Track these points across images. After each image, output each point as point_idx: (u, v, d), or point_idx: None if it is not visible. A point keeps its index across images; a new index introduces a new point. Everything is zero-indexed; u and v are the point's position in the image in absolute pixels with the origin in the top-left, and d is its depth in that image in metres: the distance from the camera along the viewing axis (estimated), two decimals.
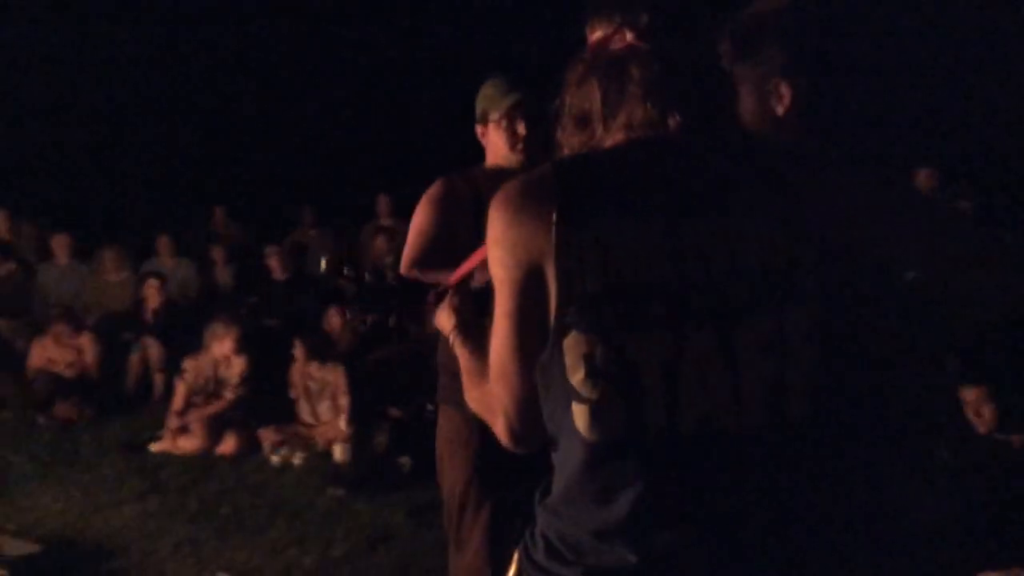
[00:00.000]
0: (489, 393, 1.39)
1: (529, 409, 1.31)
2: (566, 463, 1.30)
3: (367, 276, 1.74)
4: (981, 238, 1.49)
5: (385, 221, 8.90)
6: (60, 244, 8.53)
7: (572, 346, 1.24)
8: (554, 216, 1.25)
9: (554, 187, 1.28)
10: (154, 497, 5.11)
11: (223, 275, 8.88)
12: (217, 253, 8.97)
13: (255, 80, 11.46)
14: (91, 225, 9.42)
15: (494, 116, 2.90)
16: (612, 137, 1.34)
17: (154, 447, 5.94)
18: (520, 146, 2.88)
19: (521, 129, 2.88)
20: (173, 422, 6.00)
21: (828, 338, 1.27)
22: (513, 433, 1.36)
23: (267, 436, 5.88)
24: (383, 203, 9.09)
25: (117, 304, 8.10)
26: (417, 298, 1.69)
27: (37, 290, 8.40)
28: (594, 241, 1.24)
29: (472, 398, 1.50)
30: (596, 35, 1.38)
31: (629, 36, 1.34)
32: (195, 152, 11.22)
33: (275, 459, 5.65)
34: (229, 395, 6.11)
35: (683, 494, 1.25)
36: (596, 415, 1.22)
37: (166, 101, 11.34)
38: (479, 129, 2.99)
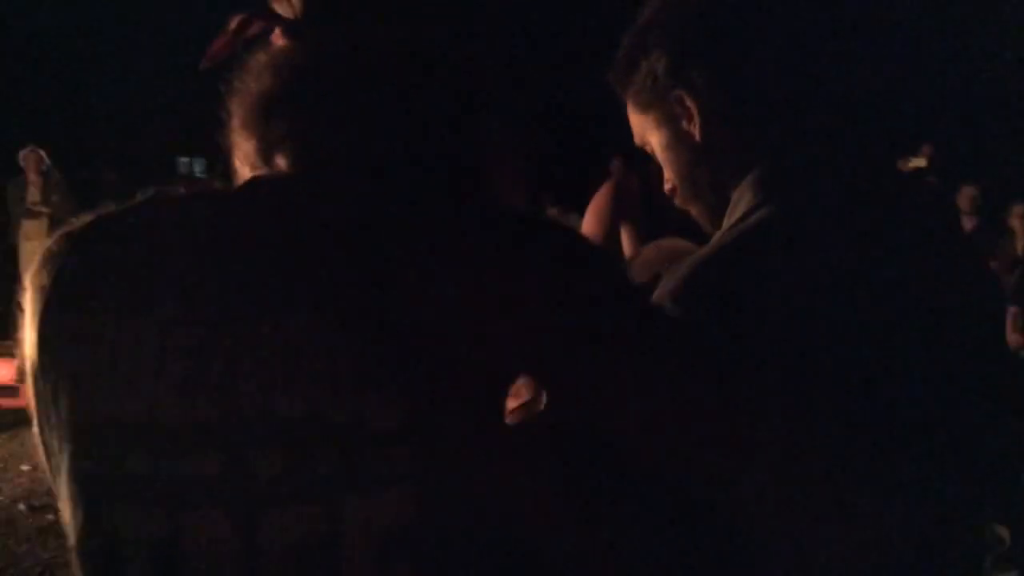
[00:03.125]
0: None
1: None
2: None
3: None
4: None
5: None
6: None
7: (64, 502, 0.84)
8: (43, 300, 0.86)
9: (60, 255, 0.87)
10: None
11: None
12: None
13: None
14: None
15: None
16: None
17: None
18: None
19: None
20: None
21: (438, 545, 0.77)
22: None
23: None
24: None
25: None
26: None
27: None
28: (70, 346, 0.83)
29: None
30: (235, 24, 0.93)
31: (278, 31, 0.89)
32: None
33: None
34: None
35: None
36: None
37: None
38: None
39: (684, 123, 1.17)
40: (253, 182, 0.87)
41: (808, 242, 1.02)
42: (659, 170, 1.27)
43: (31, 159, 8.84)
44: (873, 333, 0.99)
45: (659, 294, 1.02)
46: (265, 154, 0.86)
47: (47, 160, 8.99)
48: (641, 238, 1.85)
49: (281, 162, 0.86)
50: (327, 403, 0.75)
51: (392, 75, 0.86)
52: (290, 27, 0.88)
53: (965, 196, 6.57)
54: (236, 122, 0.88)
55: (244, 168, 0.90)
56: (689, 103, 1.15)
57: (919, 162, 5.88)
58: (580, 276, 0.80)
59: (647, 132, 1.24)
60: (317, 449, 0.75)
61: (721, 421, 0.80)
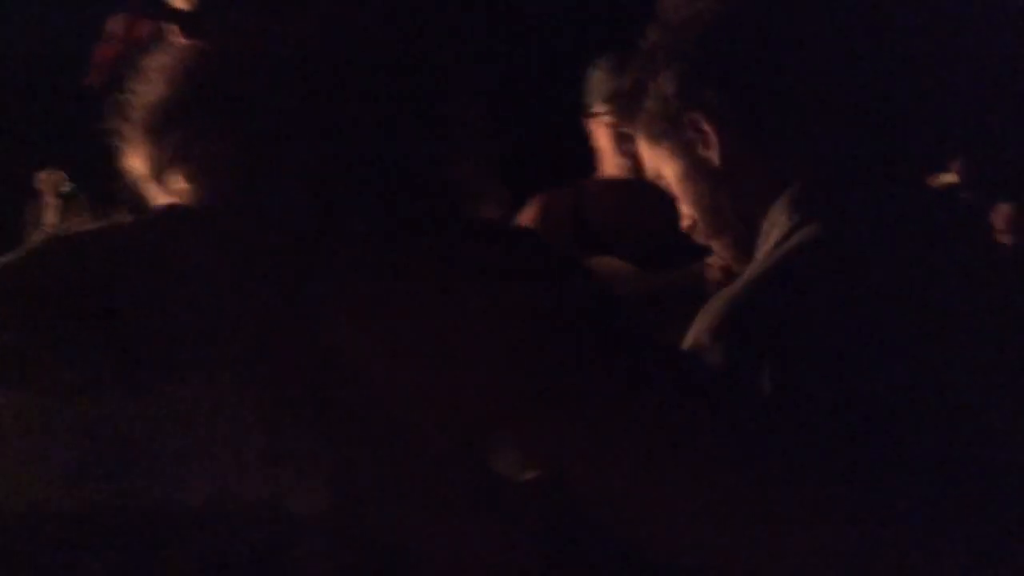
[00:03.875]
0: None
1: None
2: None
3: None
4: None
5: None
6: None
7: None
8: None
9: None
10: None
11: None
12: None
13: None
14: None
15: (596, 108, 2.33)
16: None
17: None
18: (629, 148, 2.27)
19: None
20: None
21: None
22: None
23: None
24: None
25: None
26: None
27: None
28: None
29: None
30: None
31: (174, 29, 0.75)
32: None
33: None
34: None
35: None
36: None
37: None
38: (587, 125, 2.44)
39: (700, 149, 1.06)
40: (155, 215, 0.75)
41: (854, 263, 0.92)
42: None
43: (48, 181, 8.82)
44: (936, 366, 0.88)
45: (696, 333, 0.90)
46: (159, 174, 0.74)
47: (68, 182, 8.96)
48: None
49: (177, 184, 0.73)
50: (235, 483, 0.62)
51: (314, 73, 0.72)
52: (187, 22, 0.73)
53: (1001, 213, 6.33)
54: (128, 140, 0.76)
55: (148, 192, 0.77)
56: (705, 126, 1.05)
57: (950, 177, 5.68)
58: (554, 310, 0.64)
59: (661, 164, 1.13)
60: (227, 541, 0.63)
61: (731, 490, 0.63)
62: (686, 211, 1.14)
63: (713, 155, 1.05)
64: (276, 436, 0.62)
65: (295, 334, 0.63)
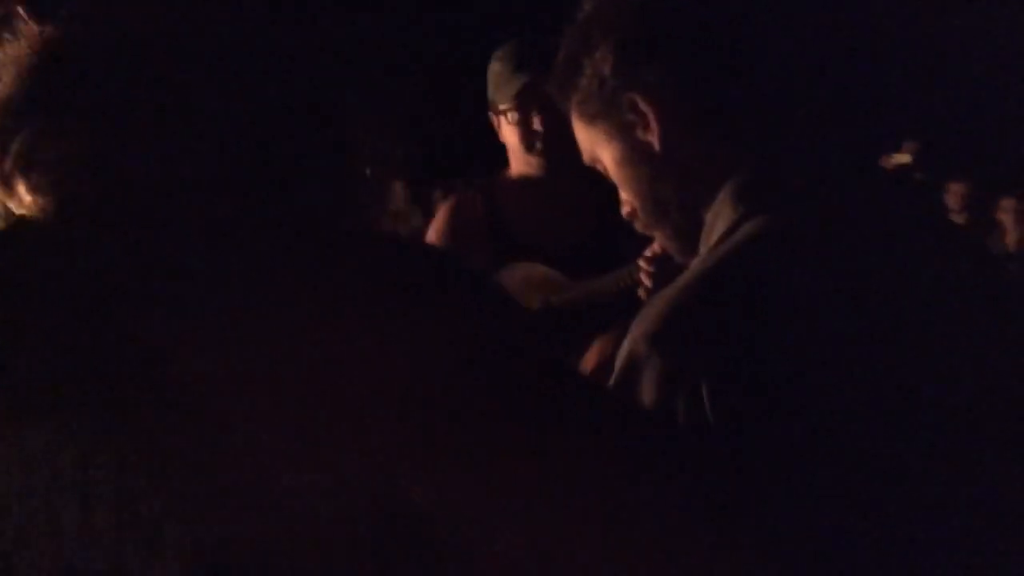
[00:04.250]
0: None
1: None
2: None
3: None
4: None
5: None
6: None
7: None
8: None
9: None
10: None
11: None
12: None
13: None
14: None
15: (503, 105, 2.23)
16: None
17: None
18: (539, 146, 2.19)
19: (537, 123, 2.17)
20: None
21: None
22: None
23: None
24: None
25: None
26: None
27: None
28: None
29: None
30: None
31: (24, 13, 0.64)
32: None
33: None
34: None
35: None
36: None
37: None
38: (493, 121, 2.33)
39: (639, 132, 0.98)
40: (7, 232, 0.65)
41: (804, 261, 0.85)
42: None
43: None
44: (898, 374, 0.81)
45: (633, 340, 0.83)
46: (4, 182, 0.64)
47: None
48: (486, 265, 1.65)
49: (26, 196, 0.63)
50: (80, 557, 0.53)
51: (183, 69, 0.62)
52: (37, 6, 0.64)
53: (954, 193, 6.34)
54: None
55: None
56: (644, 107, 0.97)
57: (903, 158, 5.64)
58: (451, 344, 0.55)
59: (597, 147, 1.04)
60: None
61: (650, 545, 0.56)
62: (625, 198, 1.06)
63: (653, 139, 0.98)
64: (125, 498, 0.53)
65: (143, 377, 0.53)
